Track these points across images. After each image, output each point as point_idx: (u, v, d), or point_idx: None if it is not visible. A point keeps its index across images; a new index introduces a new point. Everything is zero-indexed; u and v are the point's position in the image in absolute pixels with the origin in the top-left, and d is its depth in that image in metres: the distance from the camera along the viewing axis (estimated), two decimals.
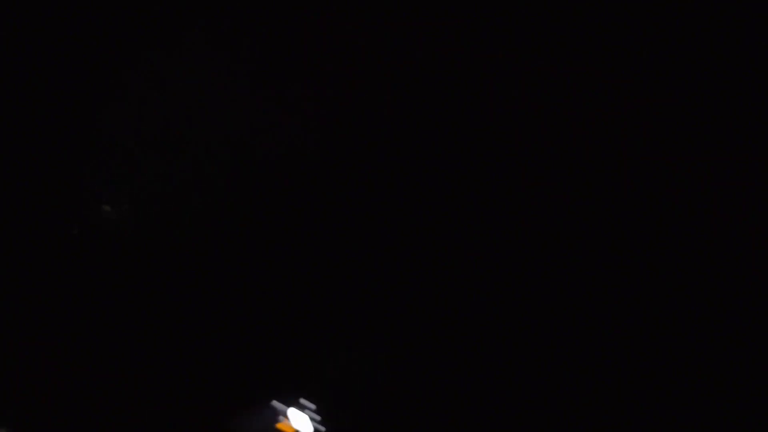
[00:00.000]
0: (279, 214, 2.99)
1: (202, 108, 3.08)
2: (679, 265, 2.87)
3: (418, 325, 2.90)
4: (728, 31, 2.80)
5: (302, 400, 3.24)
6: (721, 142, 2.88)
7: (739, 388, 2.77)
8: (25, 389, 2.88)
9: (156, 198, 3.01)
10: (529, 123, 2.96)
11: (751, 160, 2.85)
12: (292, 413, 3.45)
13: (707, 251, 2.86)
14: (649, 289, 2.88)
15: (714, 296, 2.85)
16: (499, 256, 2.92)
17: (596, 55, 2.96)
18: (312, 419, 3.39)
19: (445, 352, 2.86)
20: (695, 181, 2.89)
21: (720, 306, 2.84)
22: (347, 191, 2.98)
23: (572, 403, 2.79)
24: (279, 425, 3.52)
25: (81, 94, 3.11)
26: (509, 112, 2.97)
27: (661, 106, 2.93)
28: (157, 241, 2.98)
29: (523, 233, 2.93)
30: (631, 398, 2.80)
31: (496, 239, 2.93)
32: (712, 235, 2.87)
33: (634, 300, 2.87)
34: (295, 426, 3.44)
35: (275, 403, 3.36)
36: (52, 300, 2.94)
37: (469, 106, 2.99)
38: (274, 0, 3.04)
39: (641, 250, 2.89)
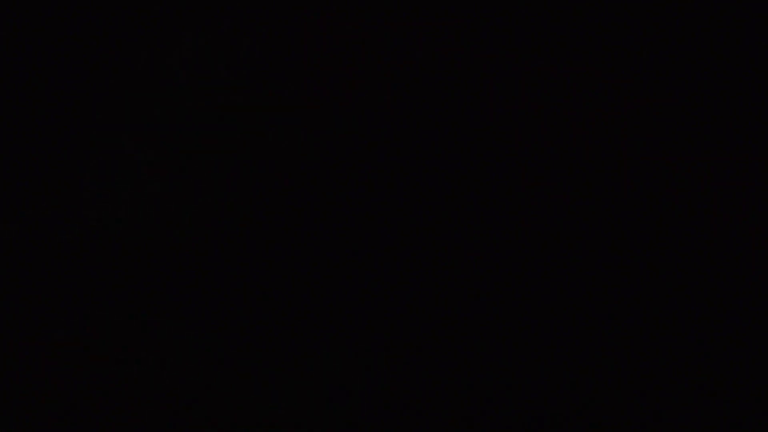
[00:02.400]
0: (279, 214, 2.98)
1: (202, 108, 3.07)
2: (680, 266, 2.87)
3: (418, 326, 2.89)
4: (728, 31, 2.80)
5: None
6: (721, 142, 2.89)
7: (739, 389, 2.77)
8: (21, 393, 2.86)
9: (154, 200, 3.00)
10: (529, 123, 2.97)
11: (751, 160, 2.85)
12: None
13: (707, 251, 2.86)
14: (650, 289, 2.88)
15: (714, 296, 2.85)
16: (499, 256, 2.92)
17: (596, 55, 2.96)
18: None
19: (445, 353, 2.86)
20: (695, 182, 2.89)
21: (720, 306, 2.84)
22: (347, 191, 2.98)
23: (572, 403, 2.79)
24: None
25: (77, 94, 3.10)
26: (509, 112, 2.98)
27: (661, 106, 2.94)
28: (155, 245, 2.97)
29: (524, 233, 2.92)
30: (631, 398, 2.79)
31: (496, 239, 2.93)
32: (712, 235, 2.87)
33: (634, 300, 2.87)
34: None
35: None
36: (50, 303, 2.93)
37: (470, 106, 2.99)
38: (273, 0, 3.04)
39: (641, 250, 2.89)
